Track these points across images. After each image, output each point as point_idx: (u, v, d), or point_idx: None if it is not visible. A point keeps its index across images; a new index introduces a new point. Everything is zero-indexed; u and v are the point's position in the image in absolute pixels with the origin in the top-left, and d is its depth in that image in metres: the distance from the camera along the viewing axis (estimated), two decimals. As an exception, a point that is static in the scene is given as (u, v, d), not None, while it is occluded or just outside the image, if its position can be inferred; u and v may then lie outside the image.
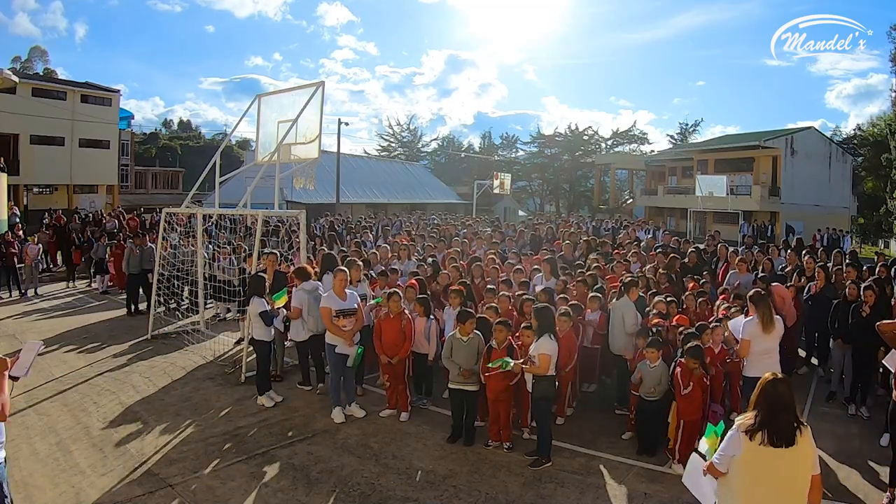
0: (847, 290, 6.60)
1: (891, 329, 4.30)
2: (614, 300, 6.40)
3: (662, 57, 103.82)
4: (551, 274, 7.50)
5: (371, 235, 13.71)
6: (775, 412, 2.79)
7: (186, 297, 10.18)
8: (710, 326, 5.59)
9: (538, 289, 7.04)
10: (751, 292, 5.34)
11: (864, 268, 8.38)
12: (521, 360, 4.90)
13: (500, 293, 6.50)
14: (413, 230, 14.56)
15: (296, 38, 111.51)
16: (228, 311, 10.07)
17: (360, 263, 7.19)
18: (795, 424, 2.79)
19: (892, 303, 6.70)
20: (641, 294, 6.83)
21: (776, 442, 2.75)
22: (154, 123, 67.77)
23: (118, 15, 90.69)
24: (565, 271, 7.88)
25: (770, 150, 28.83)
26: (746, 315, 5.22)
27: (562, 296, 6.41)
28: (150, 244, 10.69)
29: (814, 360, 7.82)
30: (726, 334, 5.59)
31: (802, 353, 7.98)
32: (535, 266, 7.97)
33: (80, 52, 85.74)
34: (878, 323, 4.34)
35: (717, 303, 6.73)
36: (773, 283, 7.20)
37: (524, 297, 6.38)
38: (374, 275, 7.58)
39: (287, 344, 7.32)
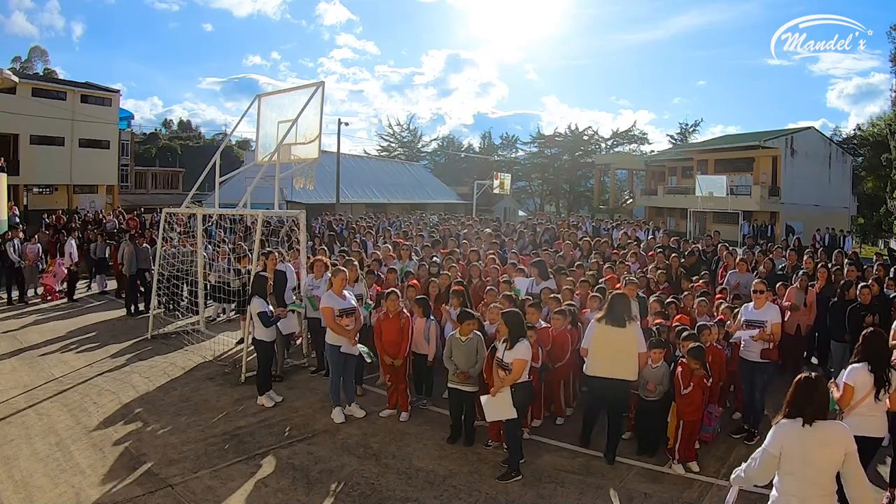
0: (852, 290, 6.65)
1: None
2: None
3: (662, 57, 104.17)
4: (540, 276, 7.43)
5: (372, 235, 13.70)
6: (613, 309, 4.96)
7: (186, 297, 10.17)
8: (710, 326, 5.59)
9: (525, 290, 7.06)
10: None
11: (865, 267, 8.41)
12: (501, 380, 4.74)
13: (502, 293, 6.52)
14: (412, 230, 14.55)
15: (295, 38, 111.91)
16: (222, 312, 10.04)
17: (357, 263, 7.20)
18: (625, 317, 4.91)
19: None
20: (642, 294, 6.85)
21: (613, 324, 4.89)
22: (153, 123, 67.83)
23: (115, 13, 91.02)
24: (561, 271, 7.88)
25: (770, 150, 28.83)
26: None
27: (554, 295, 6.41)
28: (146, 244, 10.68)
29: (814, 360, 7.82)
30: (729, 324, 5.68)
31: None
32: (513, 263, 7.95)
33: (77, 50, 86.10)
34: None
35: (717, 302, 6.72)
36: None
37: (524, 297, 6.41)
38: (378, 274, 7.67)
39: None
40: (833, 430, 2.84)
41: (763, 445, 2.93)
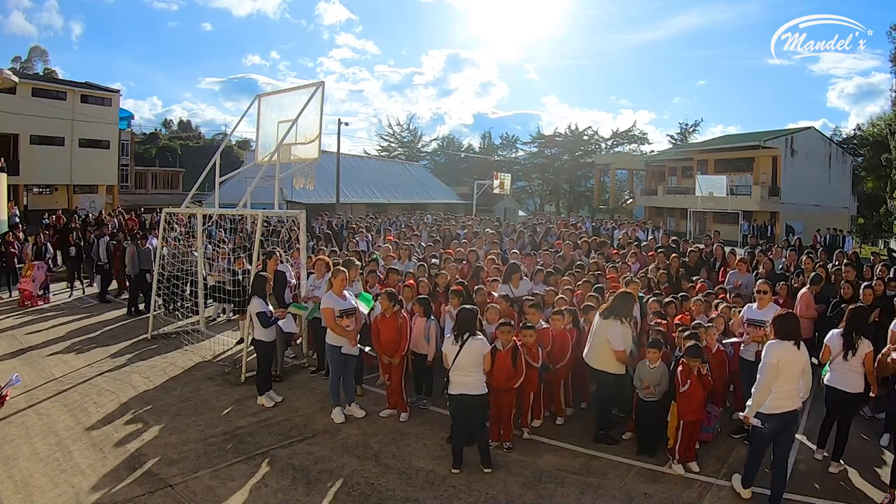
0: (847, 289, 6.66)
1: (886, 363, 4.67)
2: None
3: (662, 57, 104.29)
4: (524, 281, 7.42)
5: (370, 236, 13.69)
6: (617, 305, 5.30)
7: (187, 297, 10.15)
8: (706, 326, 5.60)
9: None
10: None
11: (865, 267, 8.40)
12: None
13: (501, 293, 6.52)
14: (412, 229, 14.55)
15: (294, 37, 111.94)
16: (222, 312, 10.04)
17: (358, 264, 7.19)
18: (609, 312, 5.25)
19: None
20: (641, 294, 6.86)
21: (604, 317, 5.29)
22: (152, 123, 67.80)
23: (114, 13, 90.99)
24: (559, 273, 7.88)
25: (770, 150, 28.85)
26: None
27: (560, 296, 6.41)
28: (147, 245, 10.64)
29: (813, 360, 7.80)
30: (732, 321, 5.84)
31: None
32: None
33: (76, 50, 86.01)
34: (876, 366, 4.76)
35: (716, 302, 6.72)
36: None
37: (524, 297, 6.40)
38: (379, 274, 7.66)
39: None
40: (803, 347, 4.24)
41: (764, 360, 4.16)
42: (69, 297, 11.80)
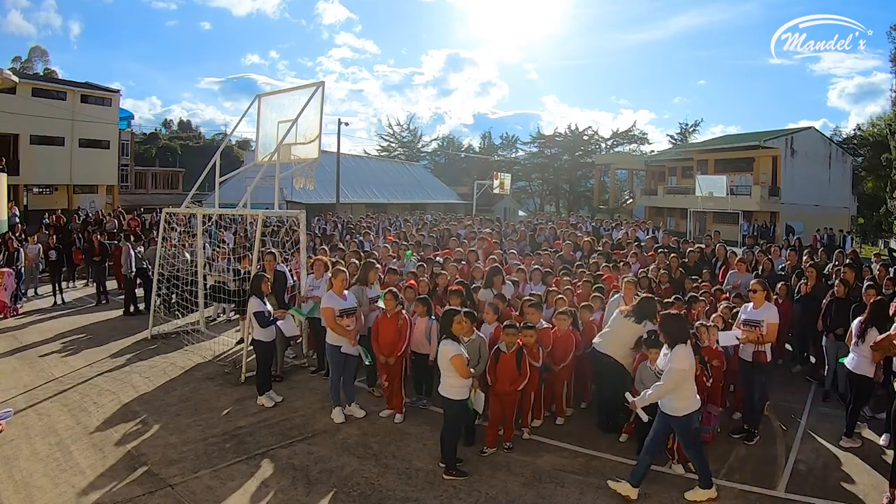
0: (840, 288, 6.71)
1: (886, 344, 4.89)
2: (613, 297, 6.44)
3: (662, 57, 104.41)
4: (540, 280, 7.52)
5: (371, 236, 13.68)
6: (644, 309, 5.34)
7: (186, 297, 10.13)
8: (707, 326, 5.59)
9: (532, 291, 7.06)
10: None
11: (864, 266, 8.41)
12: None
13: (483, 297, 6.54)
14: (411, 230, 14.54)
15: (294, 37, 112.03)
16: (222, 313, 10.03)
17: (378, 266, 7.10)
18: (643, 316, 5.29)
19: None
20: (641, 294, 6.85)
21: (637, 321, 5.31)
22: (152, 123, 67.88)
23: (113, 12, 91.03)
24: (569, 272, 7.89)
25: (770, 150, 28.87)
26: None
27: (560, 296, 6.41)
28: (141, 246, 10.56)
29: (812, 359, 7.81)
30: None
31: (789, 347, 8.03)
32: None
33: (75, 49, 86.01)
34: (871, 345, 5.10)
35: (717, 304, 6.72)
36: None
37: (524, 297, 6.40)
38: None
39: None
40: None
41: (679, 367, 4.17)
42: (61, 301, 11.46)
